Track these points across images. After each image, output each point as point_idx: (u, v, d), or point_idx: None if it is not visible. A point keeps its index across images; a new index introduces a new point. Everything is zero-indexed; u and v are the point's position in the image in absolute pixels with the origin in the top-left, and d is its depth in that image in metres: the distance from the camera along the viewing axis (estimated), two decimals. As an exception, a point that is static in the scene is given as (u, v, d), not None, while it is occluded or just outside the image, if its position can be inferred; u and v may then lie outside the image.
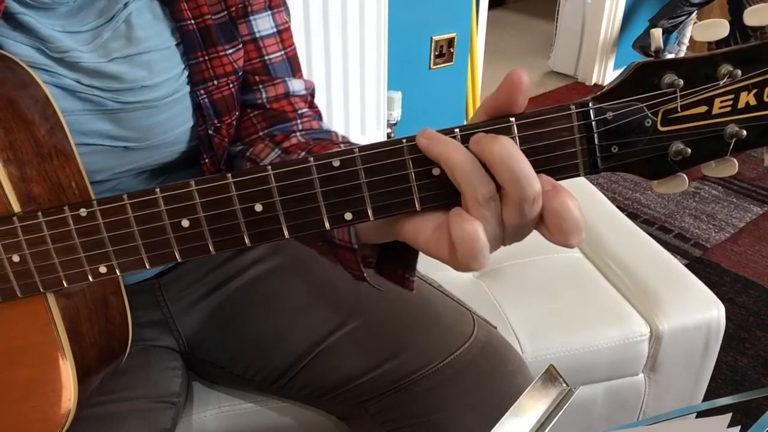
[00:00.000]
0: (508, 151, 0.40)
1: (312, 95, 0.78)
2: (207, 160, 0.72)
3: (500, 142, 0.41)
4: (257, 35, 0.71)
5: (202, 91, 0.68)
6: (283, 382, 0.81)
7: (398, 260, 0.55)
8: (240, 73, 0.71)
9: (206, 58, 0.68)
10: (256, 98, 0.73)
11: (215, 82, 0.68)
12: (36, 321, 0.52)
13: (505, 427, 0.40)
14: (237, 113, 0.72)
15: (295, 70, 0.75)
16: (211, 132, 0.70)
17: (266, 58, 0.72)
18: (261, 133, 0.74)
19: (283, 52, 0.74)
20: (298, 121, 0.74)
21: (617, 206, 1.35)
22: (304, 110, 0.75)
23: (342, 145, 0.66)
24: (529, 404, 0.41)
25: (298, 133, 0.72)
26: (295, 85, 0.75)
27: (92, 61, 0.61)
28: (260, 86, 0.73)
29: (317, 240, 0.61)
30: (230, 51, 0.69)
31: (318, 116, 0.77)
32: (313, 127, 0.75)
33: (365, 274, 0.56)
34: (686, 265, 1.56)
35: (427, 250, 0.45)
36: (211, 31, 0.67)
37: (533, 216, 0.42)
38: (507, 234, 0.43)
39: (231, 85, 0.70)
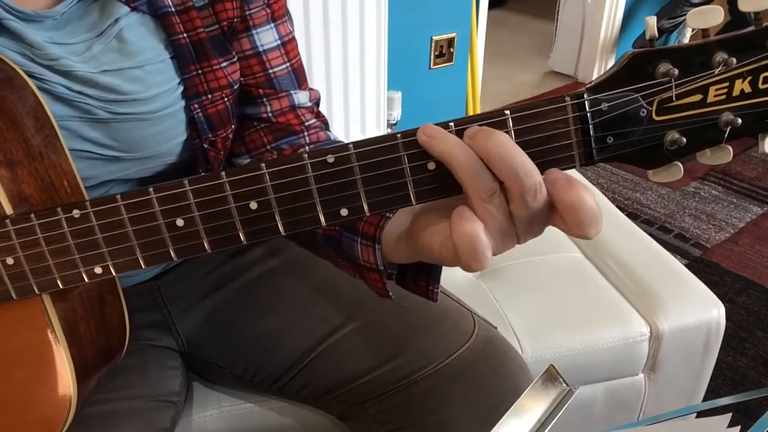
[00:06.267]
0: (505, 146, 0.40)
1: (317, 104, 0.77)
2: (203, 174, 0.71)
3: (495, 137, 0.40)
4: (260, 49, 0.70)
5: (196, 105, 0.67)
6: (283, 383, 0.81)
7: (422, 273, 0.56)
8: (236, 87, 0.70)
9: (200, 71, 0.66)
10: (260, 112, 0.72)
11: (209, 96, 0.67)
12: (33, 323, 0.52)
13: (505, 427, 0.39)
14: (233, 126, 0.71)
15: (300, 81, 0.74)
16: (206, 146, 0.69)
17: (270, 71, 0.71)
18: (268, 147, 0.73)
19: (288, 65, 0.72)
20: (306, 133, 0.73)
21: (617, 206, 1.35)
22: (311, 121, 0.74)
23: None
24: (529, 404, 0.40)
25: (306, 148, 0.71)
26: (301, 98, 0.73)
27: (84, 71, 0.60)
28: (264, 99, 0.72)
29: (337, 256, 0.61)
30: (224, 64, 0.67)
31: (325, 126, 0.76)
32: (321, 139, 0.74)
33: (390, 291, 0.56)
34: (686, 265, 1.55)
35: (441, 257, 0.45)
36: (204, 44, 0.65)
37: (539, 206, 0.42)
38: (519, 228, 0.43)
39: (226, 99, 0.68)
